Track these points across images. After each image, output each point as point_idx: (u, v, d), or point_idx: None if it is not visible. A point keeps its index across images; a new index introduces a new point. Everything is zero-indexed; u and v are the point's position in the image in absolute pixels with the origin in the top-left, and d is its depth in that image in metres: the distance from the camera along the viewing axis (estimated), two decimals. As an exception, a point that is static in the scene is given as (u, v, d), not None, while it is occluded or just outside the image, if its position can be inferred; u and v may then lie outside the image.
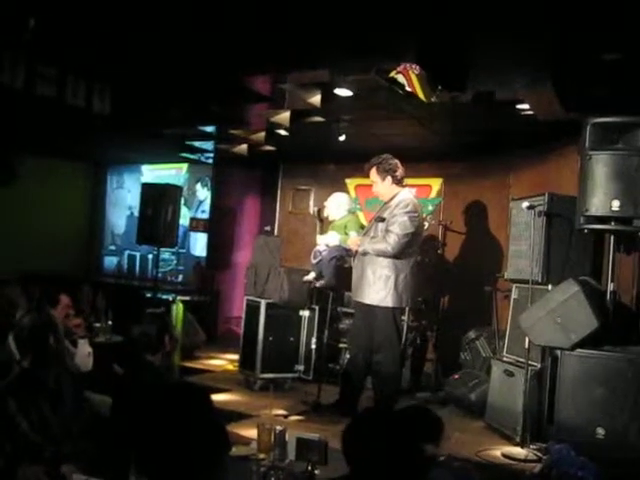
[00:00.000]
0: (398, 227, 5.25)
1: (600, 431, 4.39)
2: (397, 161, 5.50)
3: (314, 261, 6.43)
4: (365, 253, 5.40)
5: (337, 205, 6.73)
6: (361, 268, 5.44)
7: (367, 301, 5.37)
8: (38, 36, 4.56)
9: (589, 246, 5.22)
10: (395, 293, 5.27)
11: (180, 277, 10.52)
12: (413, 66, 4.90)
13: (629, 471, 4.08)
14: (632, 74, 4.56)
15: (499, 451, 4.72)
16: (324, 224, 6.72)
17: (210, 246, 9.89)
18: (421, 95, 5.21)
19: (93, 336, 5.49)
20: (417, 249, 5.50)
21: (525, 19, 4.01)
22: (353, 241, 5.61)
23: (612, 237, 4.89)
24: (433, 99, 5.32)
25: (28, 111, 6.44)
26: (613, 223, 4.74)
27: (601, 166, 4.69)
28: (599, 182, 4.69)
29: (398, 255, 5.27)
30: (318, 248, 6.45)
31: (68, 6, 4.30)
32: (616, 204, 4.60)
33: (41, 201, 9.97)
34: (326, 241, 6.41)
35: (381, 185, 5.52)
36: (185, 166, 10.57)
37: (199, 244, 10.24)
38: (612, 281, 4.87)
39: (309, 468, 3.34)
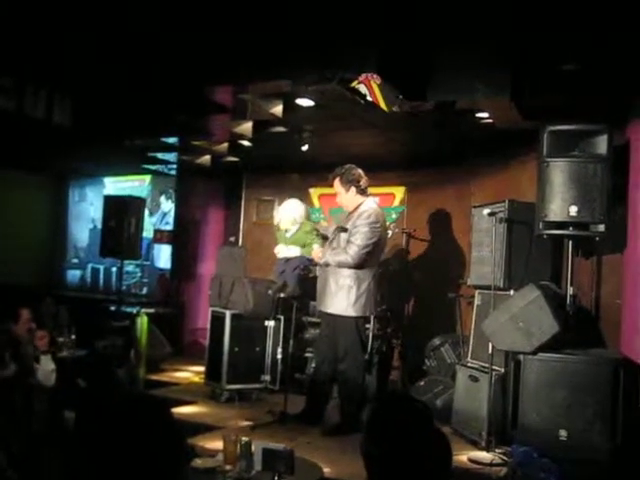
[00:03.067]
0: (359, 238, 5.26)
1: (563, 433, 4.46)
2: (360, 171, 5.51)
3: (278, 271, 6.44)
4: (327, 264, 5.43)
5: (289, 212, 6.75)
6: (324, 278, 5.46)
7: (330, 310, 5.39)
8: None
9: (548, 251, 5.31)
10: (357, 303, 5.28)
11: (145, 289, 10.44)
12: (374, 76, 4.96)
13: (591, 471, 4.15)
14: (588, 83, 4.67)
15: (465, 456, 4.74)
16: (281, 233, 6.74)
17: (174, 258, 9.84)
18: (383, 105, 5.27)
19: (56, 350, 5.41)
20: (379, 258, 5.52)
21: (484, 29, 4.09)
22: (315, 253, 5.64)
23: (570, 242, 4.98)
24: (395, 108, 5.38)
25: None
26: (571, 228, 4.83)
27: (558, 172, 4.78)
28: (557, 188, 4.78)
29: (359, 266, 5.29)
30: (281, 258, 6.46)
31: (27, 16, 4.26)
32: (573, 210, 4.69)
33: (0, 215, 9.81)
34: (286, 254, 6.43)
35: (345, 196, 5.54)
36: (148, 178, 10.52)
37: (163, 256, 10.17)
38: (571, 285, 4.95)
39: (276, 478, 3.33)
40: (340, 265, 5.32)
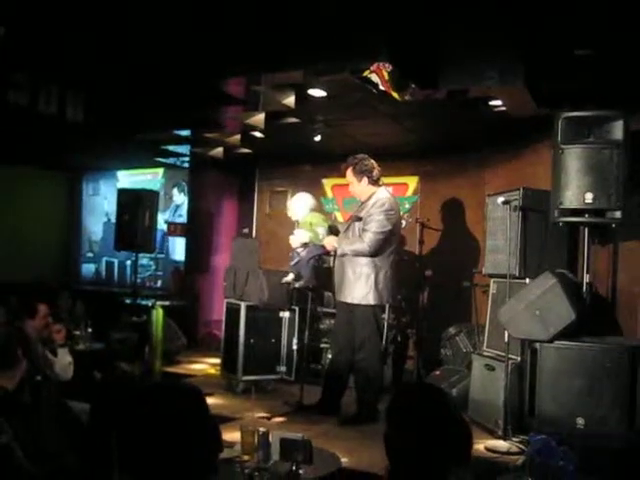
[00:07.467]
0: (374, 225, 5.27)
1: (580, 421, 4.44)
2: (373, 161, 5.51)
3: (292, 262, 6.42)
4: (344, 254, 5.42)
5: (299, 205, 6.68)
6: (342, 268, 5.45)
7: (349, 300, 5.39)
8: (10, 44, 4.52)
9: (564, 239, 5.29)
10: (376, 291, 5.29)
11: (159, 282, 10.48)
12: (386, 65, 4.93)
13: (609, 460, 4.13)
14: (602, 68, 4.63)
15: (482, 445, 4.74)
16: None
17: (188, 250, 9.86)
18: (395, 94, 5.25)
19: (73, 344, 5.44)
20: (396, 247, 5.51)
21: (496, 15, 4.05)
22: (329, 242, 5.62)
23: (586, 229, 4.94)
24: (407, 97, 5.36)
25: (0, 120, 6.38)
26: (587, 215, 4.79)
27: (573, 159, 4.74)
28: (572, 175, 4.74)
29: (375, 253, 5.29)
30: (296, 249, 6.43)
31: (39, 13, 4.27)
32: (589, 197, 4.65)
33: (16, 210, 9.88)
34: (296, 239, 6.36)
35: (357, 185, 5.53)
36: (161, 171, 10.54)
37: (177, 248, 10.20)
38: (587, 273, 4.92)
39: (294, 468, 3.34)
40: (356, 253, 5.32)
